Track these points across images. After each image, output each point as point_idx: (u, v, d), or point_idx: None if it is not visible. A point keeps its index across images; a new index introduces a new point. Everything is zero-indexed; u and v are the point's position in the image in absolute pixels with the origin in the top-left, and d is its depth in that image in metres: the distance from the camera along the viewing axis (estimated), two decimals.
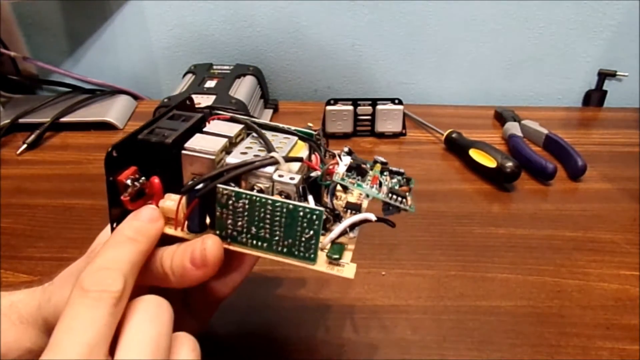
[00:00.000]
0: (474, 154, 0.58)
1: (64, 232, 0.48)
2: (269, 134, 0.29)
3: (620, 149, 0.64)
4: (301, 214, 0.25)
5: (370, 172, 0.29)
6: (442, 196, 0.54)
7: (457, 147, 0.61)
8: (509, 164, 0.54)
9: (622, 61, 0.75)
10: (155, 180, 0.27)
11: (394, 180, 0.30)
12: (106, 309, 0.22)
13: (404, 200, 0.28)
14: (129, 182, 0.26)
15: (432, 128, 0.66)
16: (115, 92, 0.75)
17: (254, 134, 0.29)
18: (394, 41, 0.75)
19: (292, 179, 0.26)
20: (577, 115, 0.75)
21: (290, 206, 0.25)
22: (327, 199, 0.28)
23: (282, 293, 0.41)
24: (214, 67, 0.72)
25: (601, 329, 0.38)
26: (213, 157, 0.26)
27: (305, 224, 0.25)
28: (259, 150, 0.28)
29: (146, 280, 0.26)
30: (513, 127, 0.64)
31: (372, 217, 0.27)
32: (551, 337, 0.37)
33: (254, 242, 0.26)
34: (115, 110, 0.70)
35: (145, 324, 0.22)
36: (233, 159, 0.27)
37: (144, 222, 0.26)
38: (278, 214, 0.25)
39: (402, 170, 0.31)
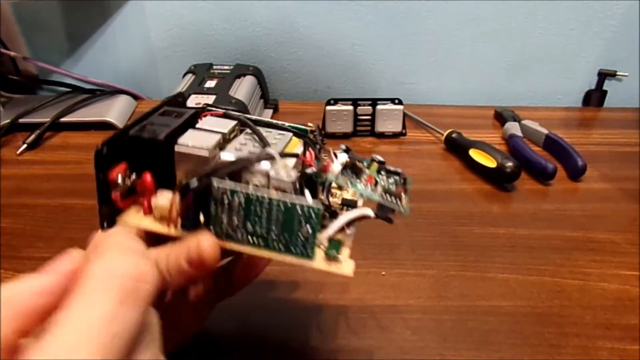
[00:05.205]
0: (474, 154, 0.58)
1: (64, 232, 0.48)
2: (262, 130, 0.29)
3: (620, 149, 0.64)
4: (299, 211, 0.24)
5: (367, 171, 0.29)
6: (442, 196, 0.54)
7: (457, 147, 0.61)
8: (509, 164, 0.54)
9: (622, 61, 0.75)
10: (147, 176, 0.26)
11: (391, 180, 0.29)
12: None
13: (399, 201, 0.28)
14: (119, 179, 0.24)
15: (432, 128, 0.66)
16: (115, 92, 0.75)
17: (248, 131, 0.29)
18: (394, 41, 0.75)
19: (289, 176, 0.25)
20: (577, 115, 0.75)
21: (288, 204, 0.24)
22: (322, 195, 0.28)
23: (281, 294, 0.41)
24: (214, 67, 0.72)
25: (601, 329, 0.38)
26: (206, 153, 0.26)
27: (303, 221, 0.25)
28: (254, 147, 0.27)
29: None
30: (513, 127, 0.64)
31: (370, 212, 0.27)
32: (551, 337, 0.37)
33: (250, 239, 0.25)
34: (115, 110, 0.70)
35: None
36: (228, 155, 0.26)
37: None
38: (275, 211, 0.25)
39: (399, 170, 0.30)
